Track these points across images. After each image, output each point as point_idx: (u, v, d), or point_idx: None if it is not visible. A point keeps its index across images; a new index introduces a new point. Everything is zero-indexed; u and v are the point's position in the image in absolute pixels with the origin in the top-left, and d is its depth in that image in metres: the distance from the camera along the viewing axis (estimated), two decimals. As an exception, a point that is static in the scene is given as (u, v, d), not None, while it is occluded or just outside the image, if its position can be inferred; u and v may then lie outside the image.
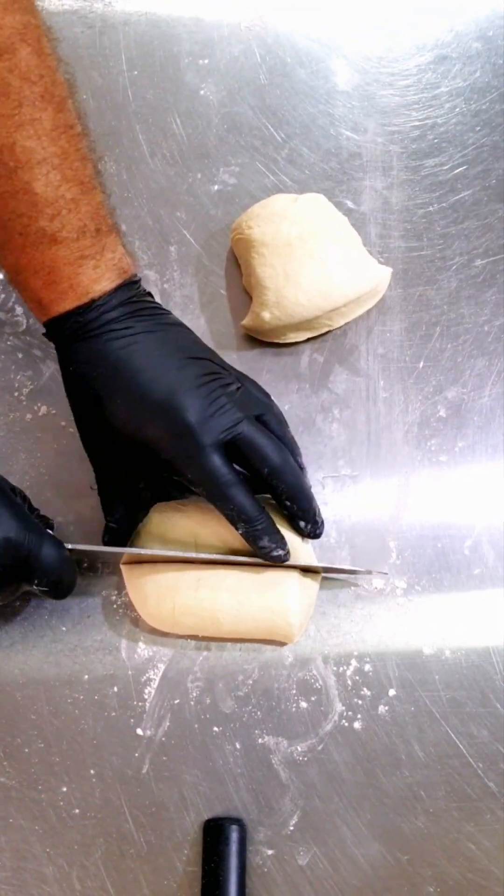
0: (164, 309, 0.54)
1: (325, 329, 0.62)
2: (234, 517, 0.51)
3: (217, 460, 0.50)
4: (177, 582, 0.55)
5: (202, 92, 0.68)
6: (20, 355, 0.63)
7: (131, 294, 0.52)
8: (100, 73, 0.68)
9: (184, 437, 0.49)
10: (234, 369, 0.55)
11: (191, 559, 0.55)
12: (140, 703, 0.56)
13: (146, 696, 0.56)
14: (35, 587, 0.49)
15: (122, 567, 0.57)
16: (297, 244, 0.58)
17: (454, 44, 0.70)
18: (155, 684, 0.57)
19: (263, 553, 0.53)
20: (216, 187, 0.66)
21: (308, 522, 0.54)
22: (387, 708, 0.56)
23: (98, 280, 0.50)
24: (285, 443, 0.54)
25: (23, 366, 0.63)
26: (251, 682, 0.56)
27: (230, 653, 0.57)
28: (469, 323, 0.63)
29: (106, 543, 0.56)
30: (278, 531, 0.53)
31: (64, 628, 0.58)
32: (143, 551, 0.55)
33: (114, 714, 0.56)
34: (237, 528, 0.52)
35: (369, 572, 0.58)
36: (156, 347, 0.51)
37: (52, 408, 0.62)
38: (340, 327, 0.62)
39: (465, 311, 0.64)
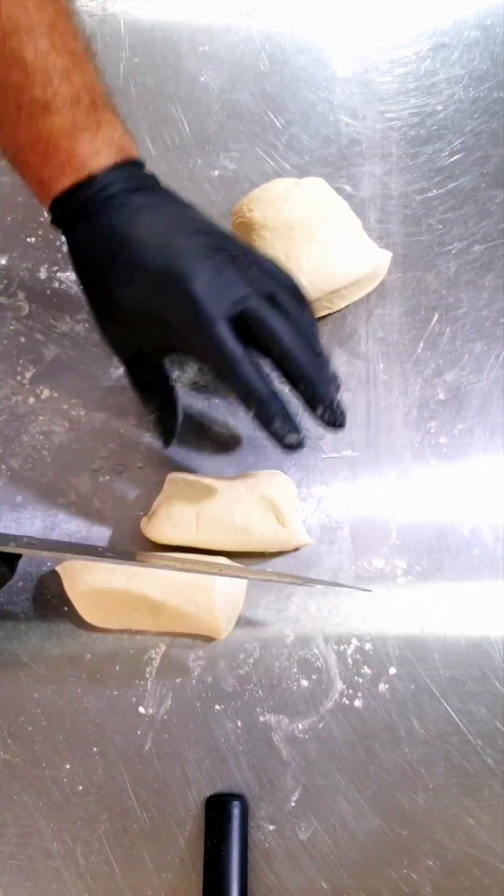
0: (172, 190, 0.52)
1: (325, 312, 0.62)
2: (245, 396, 0.49)
3: (225, 333, 0.47)
4: (109, 582, 0.55)
5: (202, 79, 0.69)
6: (23, 339, 0.64)
7: (134, 173, 0.50)
8: (100, 60, 0.68)
9: (190, 309, 0.47)
10: (249, 248, 0.53)
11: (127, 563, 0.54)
12: (142, 682, 0.57)
13: (148, 675, 0.57)
14: None
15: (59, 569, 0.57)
16: (298, 227, 0.59)
17: (453, 32, 0.70)
18: (156, 663, 0.57)
19: (277, 438, 0.50)
20: (216, 173, 0.67)
21: (326, 408, 0.50)
22: (387, 686, 0.56)
23: (95, 154, 0.49)
24: (301, 324, 0.50)
25: (25, 350, 0.63)
26: (252, 660, 0.57)
27: (231, 632, 0.57)
28: (467, 307, 0.64)
29: (161, 437, 0.56)
30: (292, 417, 0.50)
31: (66, 608, 0.58)
32: (82, 557, 0.54)
33: (116, 693, 0.57)
34: (249, 410, 0.49)
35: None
36: (160, 219, 0.49)
37: (54, 391, 0.62)
38: (340, 311, 0.63)
39: (464, 295, 0.64)
